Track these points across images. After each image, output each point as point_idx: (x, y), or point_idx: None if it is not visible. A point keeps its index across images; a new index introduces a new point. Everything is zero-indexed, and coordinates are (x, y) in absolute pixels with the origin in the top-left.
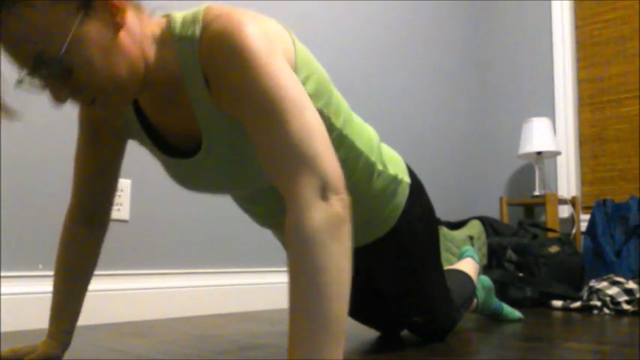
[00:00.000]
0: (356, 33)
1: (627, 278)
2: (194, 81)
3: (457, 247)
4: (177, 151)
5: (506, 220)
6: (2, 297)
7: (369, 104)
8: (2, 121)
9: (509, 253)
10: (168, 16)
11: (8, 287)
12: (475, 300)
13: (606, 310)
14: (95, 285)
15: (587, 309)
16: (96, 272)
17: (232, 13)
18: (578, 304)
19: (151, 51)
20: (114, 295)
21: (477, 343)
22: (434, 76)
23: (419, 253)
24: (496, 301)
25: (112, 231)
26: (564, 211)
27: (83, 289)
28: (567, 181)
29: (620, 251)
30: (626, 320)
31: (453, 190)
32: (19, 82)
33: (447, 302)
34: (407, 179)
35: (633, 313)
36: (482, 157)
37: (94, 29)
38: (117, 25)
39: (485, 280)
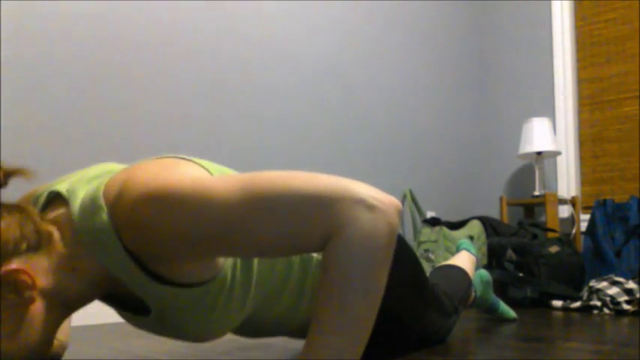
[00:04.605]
0: (356, 33)
1: (627, 278)
2: (126, 271)
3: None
4: (135, 307)
5: (506, 220)
6: None
7: (369, 105)
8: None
9: (509, 253)
10: (62, 211)
11: None
12: (473, 294)
13: (606, 310)
14: None
15: (587, 309)
16: None
17: (131, 180)
18: (578, 304)
19: (70, 278)
20: None
21: (476, 343)
22: (434, 76)
23: (402, 301)
24: (493, 297)
25: None
26: (564, 211)
27: None
28: (567, 181)
29: (620, 251)
30: (626, 320)
31: (453, 190)
32: None
33: (440, 320)
34: None
35: (633, 313)
36: (482, 157)
37: None
38: (28, 301)
39: (484, 274)
